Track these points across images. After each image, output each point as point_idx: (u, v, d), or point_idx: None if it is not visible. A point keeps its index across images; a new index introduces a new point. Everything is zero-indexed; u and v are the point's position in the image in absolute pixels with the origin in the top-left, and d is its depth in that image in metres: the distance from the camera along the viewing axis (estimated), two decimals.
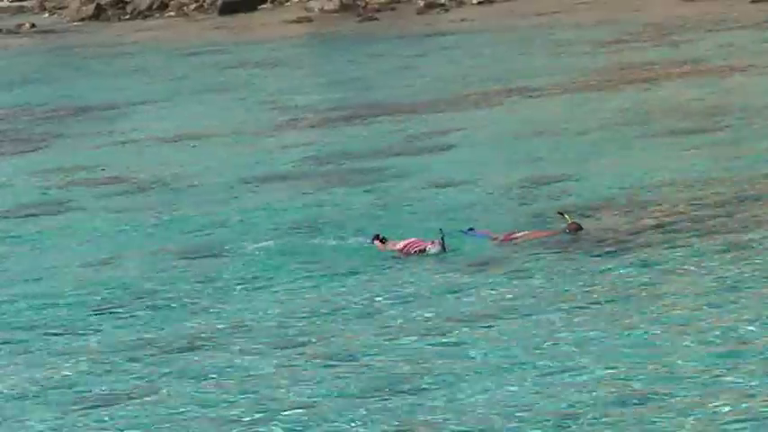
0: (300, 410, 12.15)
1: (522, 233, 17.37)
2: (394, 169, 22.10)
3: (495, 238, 17.53)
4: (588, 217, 17.76)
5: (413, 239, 17.40)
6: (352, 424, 11.77)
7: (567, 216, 17.48)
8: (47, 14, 43.05)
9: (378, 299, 15.48)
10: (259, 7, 40.58)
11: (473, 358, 13.44)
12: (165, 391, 12.95)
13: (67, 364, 14.15)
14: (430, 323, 14.54)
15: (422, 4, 40.38)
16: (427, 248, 17.00)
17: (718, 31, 32.84)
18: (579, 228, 17.04)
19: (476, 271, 16.21)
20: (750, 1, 35.96)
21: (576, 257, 16.25)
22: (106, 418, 12.56)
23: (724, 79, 27.56)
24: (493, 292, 15.39)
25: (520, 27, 36.54)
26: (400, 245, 17.20)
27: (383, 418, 11.91)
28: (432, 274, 16.19)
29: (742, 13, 35.69)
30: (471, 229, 17.64)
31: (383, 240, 17.31)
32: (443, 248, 16.95)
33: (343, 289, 16.05)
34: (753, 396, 11.44)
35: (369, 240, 17.64)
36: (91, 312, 16.00)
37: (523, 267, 16.06)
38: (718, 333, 13.32)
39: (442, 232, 17.20)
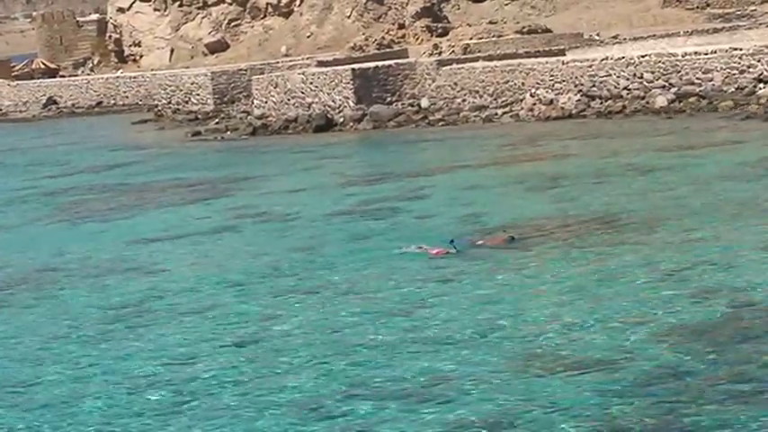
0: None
1: (485, 240, 21.00)
2: (400, 207, 26.41)
3: (473, 242, 20.67)
4: (511, 231, 21.51)
5: (440, 248, 20.33)
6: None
7: (506, 231, 21.45)
8: (229, 132, 50.09)
9: (425, 270, 19.49)
10: (332, 128, 46.07)
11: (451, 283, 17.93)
12: None
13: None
14: (445, 272, 18.89)
15: (428, 120, 44.72)
16: (448, 252, 20.12)
17: (560, 139, 36.50)
18: (513, 238, 20.77)
19: (470, 258, 19.98)
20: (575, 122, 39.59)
21: (510, 250, 20.37)
22: None
23: (562, 161, 31.83)
24: (473, 265, 19.47)
25: (466, 136, 40.49)
26: (434, 250, 20.38)
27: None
28: (449, 261, 19.96)
29: (572, 126, 39.28)
30: (454, 240, 20.57)
31: (420, 247, 20.68)
32: (456, 251, 20.06)
33: (412, 266, 19.90)
34: None
35: (416, 247, 20.85)
36: (256, 275, 20.08)
37: (487, 255, 20.06)
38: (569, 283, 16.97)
39: (453, 242, 20.23)
